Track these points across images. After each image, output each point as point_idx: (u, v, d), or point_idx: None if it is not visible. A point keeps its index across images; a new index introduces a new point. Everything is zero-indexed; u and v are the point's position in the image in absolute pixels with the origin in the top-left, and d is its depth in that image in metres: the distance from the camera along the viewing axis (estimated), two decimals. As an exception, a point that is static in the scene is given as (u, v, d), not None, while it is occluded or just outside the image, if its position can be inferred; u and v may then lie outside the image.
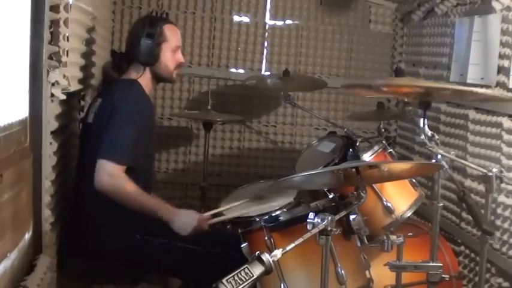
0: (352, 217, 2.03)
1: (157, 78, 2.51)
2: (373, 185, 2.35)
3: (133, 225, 2.29)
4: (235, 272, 1.38)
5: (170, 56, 2.47)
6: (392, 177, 2.20)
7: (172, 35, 2.49)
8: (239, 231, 2.14)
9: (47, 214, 2.03)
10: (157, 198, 2.33)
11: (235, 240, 2.14)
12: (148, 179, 2.51)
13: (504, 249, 2.45)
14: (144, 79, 2.45)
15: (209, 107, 3.24)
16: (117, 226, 2.29)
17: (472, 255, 2.76)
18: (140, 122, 2.34)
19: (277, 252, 1.47)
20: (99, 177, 2.19)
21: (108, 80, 2.53)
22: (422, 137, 1.89)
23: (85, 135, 2.49)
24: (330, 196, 2.17)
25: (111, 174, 2.19)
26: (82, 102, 2.75)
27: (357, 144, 2.50)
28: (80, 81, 2.42)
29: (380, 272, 2.23)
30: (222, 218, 2.26)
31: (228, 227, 2.22)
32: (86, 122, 2.46)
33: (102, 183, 2.19)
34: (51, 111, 2.03)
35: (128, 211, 2.28)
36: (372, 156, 2.45)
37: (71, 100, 2.46)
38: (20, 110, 1.71)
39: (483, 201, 2.21)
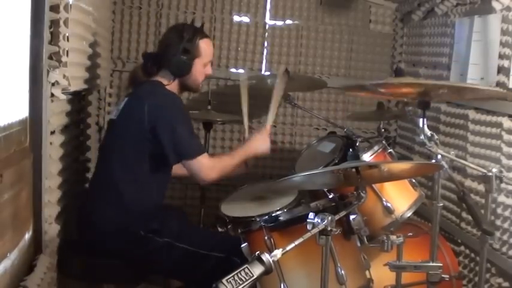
0: (352, 217, 2.03)
1: (185, 88, 2.57)
2: (373, 185, 2.35)
3: (138, 221, 2.30)
4: (235, 272, 1.38)
5: (201, 70, 2.52)
6: (392, 177, 2.20)
7: (206, 51, 2.52)
8: (239, 231, 2.14)
9: (47, 214, 2.04)
10: (236, 151, 2.56)
11: (237, 244, 2.14)
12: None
13: (504, 249, 2.45)
14: (171, 86, 2.49)
15: (209, 107, 3.24)
16: (123, 222, 2.30)
17: (472, 255, 2.76)
18: (188, 117, 2.48)
19: (277, 252, 1.47)
20: (205, 175, 2.38)
21: (136, 82, 2.56)
22: (422, 137, 1.88)
23: (107, 132, 2.57)
24: (330, 196, 2.16)
25: (210, 166, 2.38)
26: (82, 102, 2.76)
27: (357, 144, 2.50)
28: (80, 81, 2.42)
29: (380, 272, 2.23)
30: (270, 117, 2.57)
31: (229, 227, 2.22)
32: (110, 119, 2.54)
33: (209, 177, 2.39)
34: (51, 111, 2.03)
35: (133, 207, 2.31)
36: (372, 156, 2.45)
37: (71, 100, 2.47)
38: (20, 110, 1.71)
39: (483, 201, 2.20)
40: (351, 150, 2.28)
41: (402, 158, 3.47)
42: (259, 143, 2.55)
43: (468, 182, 2.71)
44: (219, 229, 2.26)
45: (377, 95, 2.37)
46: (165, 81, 2.47)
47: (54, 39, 1.97)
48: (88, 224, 2.37)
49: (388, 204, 2.37)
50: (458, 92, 2.00)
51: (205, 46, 2.51)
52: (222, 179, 2.46)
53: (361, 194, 2.00)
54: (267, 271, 1.43)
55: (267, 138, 2.57)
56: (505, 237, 2.43)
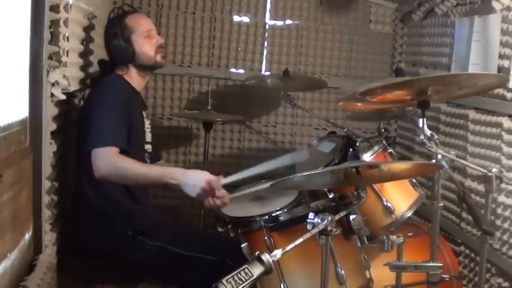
0: (352, 217, 2.04)
1: (144, 68, 2.48)
2: (373, 185, 2.35)
3: (123, 222, 2.28)
4: (235, 272, 1.38)
5: (145, 43, 2.43)
6: (393, 177, 2.20)
7: (136, 23, 2.43)
8: (239, 231, 2.14)
9: (47, 214, 2.04)
10: (161, 166, 2.27)
11: (231, 246, 2.14)
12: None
13: (504, 249, 2.45)
14: (130, 75, 2.45)
15: (209, 107, 3.24)
16: (107, 223, 2.28)
17: (472, 255, 2.76)
18: (116, 107, 2.27)
19: (277, 252, 1.46)
20: (95, 166, 2.14)
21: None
22: (422, 137, 1.88)
23: (77, 136, 2.47)
24: (330, 196, 2.17)
25: (102, 159, 2.14)
26: (82, 103, 2.76)
27: (357, 144, 2.50)
28: (80, 81, 2.42)
29: (380, 272, 2.23)
30: (234, 178, 2.21)
31: (229, 227, 2.22)
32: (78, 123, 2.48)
33: (99, 170, 2.14)
34: (51, 112, 2.03)
35: (117, 207, 2.30)
36: (372, 156, 2.45)
37: (71, 100, 2.47)
38: (20, 110, 1.71)
39: (483, 201, 2.20)
40: (351, 150, 2.27)
41: (402, 158, 3.47)
42: (191, 181, 2.11)
43: (468, 182, 2.71)
44: (219, 229, 2.25)
45: (374, 105, 2.27)
46: (122, 73, 2.44)
47: (54, 39, 1.97)
48: (78, 229, 2.36)
49: (388, 204, 2.37)
50: (453, 85, 1.96)
51: (133, 21, 2.44)
52: (120, 181, 2.20)
53: (361, 194, 2.01)
54: (267, 271, 1.43)
55: (202, 183, 2.10)
56: (505, 237, 2.43)
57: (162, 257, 2.26)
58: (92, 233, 2.29)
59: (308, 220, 1.64)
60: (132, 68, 2.45)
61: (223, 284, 1.34)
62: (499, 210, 2.44)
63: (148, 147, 2.55)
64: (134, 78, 2.46)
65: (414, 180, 2.51)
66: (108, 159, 2.13)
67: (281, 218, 2.09)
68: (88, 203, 2.32)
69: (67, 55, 2.08)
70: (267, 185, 2.17)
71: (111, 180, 2.18)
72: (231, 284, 1.35)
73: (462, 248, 2.83)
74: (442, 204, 2.08)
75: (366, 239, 2.17)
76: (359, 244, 2.17)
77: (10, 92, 1.61)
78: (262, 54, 3.68)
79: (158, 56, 2.47)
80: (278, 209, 2.13)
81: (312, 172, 2.03)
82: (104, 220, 2.29)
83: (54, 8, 1.94)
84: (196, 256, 2.25)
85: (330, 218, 1.63)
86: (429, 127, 1.90)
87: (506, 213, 2.41)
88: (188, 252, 2.25)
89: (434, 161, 1.96)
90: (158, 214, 2.47)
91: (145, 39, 2.44)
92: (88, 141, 2.18)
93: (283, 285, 1.97)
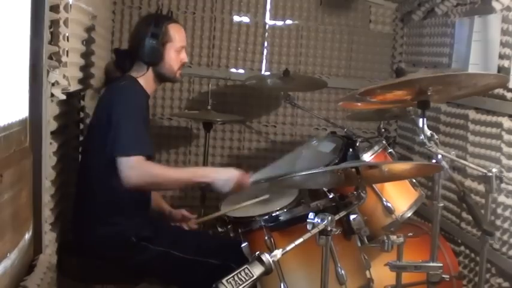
0: (352, 217, 2.04)
1: (161, 78, 2.47)
2: (373, 185, 2.35)
3: (127, 227, 2.28)
4: (236, 272, 1.38)
5: (174, 56, 2.43)
6: (393, 177, 2.20)
7: (177, 35, 2.44)
8: (239, 231, 2.14)
9: (47, 214, 2.03)
10: (190, 167, 2.31)
11: (234, 249, 2.14)
12: None
13: (504, 249, 2.44)
14: (146, 78, 2.42)
15: (209, 107, 3.24)
16: (112, 227, 2.28)
17: (472, 255, 2.76)
18: (138, 114, 2.29)
19: (277, 252, 1.46)
20: (125, 174, 2.15)
21: (110, 79, 2.51)
22: (422, 137, 1.88)
23: (85, 136, 2.52)
24: (330, 196, 2.16)
25: (133, 167, 2.15)
26: (82, 102, 2.76)
27: (357, 144, 2.49)
28: (80, 81, 2.42)
29: (380, 272, 2.23)
30: (263, 175, 2.30)
31: (229, 227, 2.22)
32: (89, 123, 2.50)
33: (130, 179, 2.15)
34: (51, 111, 2.03)
35: (120, 214, 2.29)
36: (372, 156, 2.44)
37: (71, 100, 2.46)
38: (20, 110, 1.71)
39: (483, 201, 2.20)
40: (351, 150, 2.27)
41: (402, 158, 3.47)
42: (223, 179, 2.25)
43: (468, 182, 2.71)
44: (219, 229, 2.25)
45: (374, 105, 2.28)
46: (138, 74, 2.41)
47: (54, 39, 1.96)
48: (80, 230, 2.36)
49: (388, 204, 2.37)
50: (453, 85, 1.96)
51: (175, 31, 2.43)
52: (152, 188, 2.33)
53: (361, 194, 2.00)
54: (267, 271, 1.43)
55: (233, 179, 2.26)
56: (505, 237, 2.43)
57: (165, 262, 2.27)
58: (95, 239, 2.28)
59: (308, 220, 1.64)
60: (150, 71, 2.42)
61: (224, 284, 1.34)
62: (499, 210, 2.43)
63: None
64: (149, 82, 2.43)
65: (414, 180, 2.51)
66: (139, 168, 2.16)
67: (281, 218, 2.09)
68: (91, 209, 2.31)
69: (67, 55, 2.08)
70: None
71: (142, 188, 2.23)
72: (231, 284, 1.35)
73: (462, 248, 2.83)
74: (442, 204, 2.08)
75: (366, 239, 2.17)
76: (359, 244, 2.17)
77: (10, 92, 1.61)
78: (262, 54, 3.68)
79: (178, 72, 2.48)
80: (278, 209, 2.13)
81: (312, 172, 2.03)
82: (107, 226, 2.28)
83: (54, 8, 1.94)
84: (199, 260, 2.26)
85: (330, 218, 1.63)
86: (429, 127, 1.90)
87: (506, 213, 2.41)
88: (191, 257, 2.26)
89: (434, 161, 1.96)
90: (160, 218, 2.48)
91: (176, 53, 2.44)
92: (115, 149, 2.19)
93: (283, 285, 1.97)
